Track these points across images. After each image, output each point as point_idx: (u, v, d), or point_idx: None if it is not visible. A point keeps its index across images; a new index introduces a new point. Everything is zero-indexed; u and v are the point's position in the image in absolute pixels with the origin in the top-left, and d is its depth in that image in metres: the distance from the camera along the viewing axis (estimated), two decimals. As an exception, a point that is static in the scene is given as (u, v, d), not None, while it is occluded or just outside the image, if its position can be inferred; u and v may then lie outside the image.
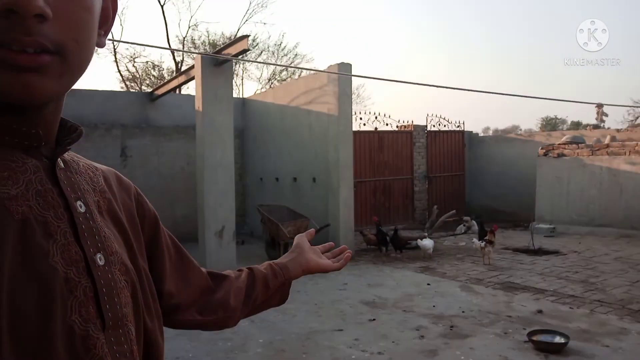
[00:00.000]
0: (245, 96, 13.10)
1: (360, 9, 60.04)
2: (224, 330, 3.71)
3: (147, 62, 20.20)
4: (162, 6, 19.10)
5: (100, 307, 0.60)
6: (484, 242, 7.09)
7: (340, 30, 54.98)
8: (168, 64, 22.89)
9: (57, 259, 0.57)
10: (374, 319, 4.85)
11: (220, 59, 6.80)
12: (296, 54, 21.34)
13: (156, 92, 9.47)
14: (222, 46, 7.33)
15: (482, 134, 16.78)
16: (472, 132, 13.76)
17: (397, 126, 11.79)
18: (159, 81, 18.69)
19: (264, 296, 1.01)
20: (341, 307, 5.25)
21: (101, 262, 0.62)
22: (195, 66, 7.30)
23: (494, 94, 8.88)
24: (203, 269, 0.95)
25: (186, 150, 9.63)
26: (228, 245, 6.79)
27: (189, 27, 21.23)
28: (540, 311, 4.93)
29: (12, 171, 0.58)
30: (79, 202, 0.64)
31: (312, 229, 1.24)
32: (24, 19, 0.52)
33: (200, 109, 6.90)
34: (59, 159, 0.65)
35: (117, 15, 0.72)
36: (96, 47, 0.64)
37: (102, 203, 0.70)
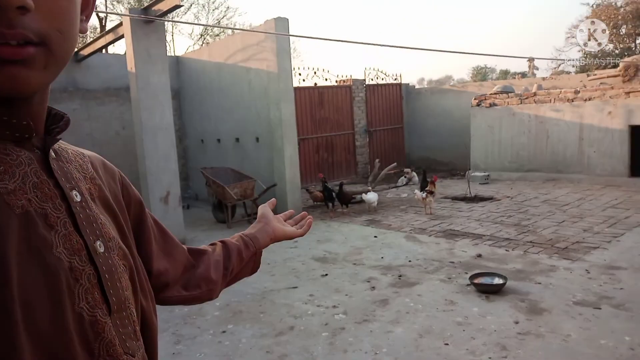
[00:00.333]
0: (177, 53, 12.53)
1: (291, -42, 58.11)
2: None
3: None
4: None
5: (104, 293, 0.63)
6: (425, 193, 7.38)
7: (271, -20, 53.15)
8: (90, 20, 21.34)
9: (60, 249, 0.59)
10: (326, 274, 5.01)
11: (151, 16, 6.42)
12: (228, 7, 20.61)
13: (81, 52, 8.83)
14: (149, 1, 6.91)
15: (417, 86, 17.14)
16: (409, 84, 14.00)
17: (336, 81, 11.79)
18: (82, 40, 17.43)
19: (238, 267, 1.06)
20: (293, 265, 5.37)
21: (101, 249, 0.64)
22: (123, 24, 6.86)
23: (428, 50, 8.86)
24: (183, 246, 0.98)
25: (120, 113, 9.18)
26: (174, 211, 6.67)
27: (110, -21, 19.73)
28: (479, 255, 5.28)
29: (8, 165, 0.58)
30: (74, 192, 0.65)
31: (274, 199, 1.28)
32: (6, 11, 0.51)
33: (134, 69, 6.55)
34: (50, 149, 0.66)
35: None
36: (79, 33, 0.64)
37: (94, 190, 0.70)
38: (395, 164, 9.58)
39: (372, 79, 12.30)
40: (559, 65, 26.18)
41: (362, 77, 12.14)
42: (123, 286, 0.66)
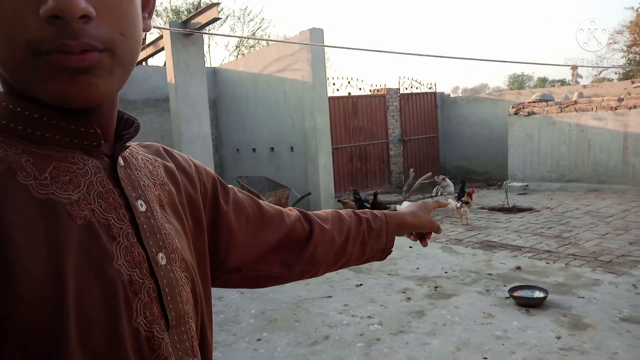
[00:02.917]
0: (213, 64, 12.81)
1: (325, -31, 58.74)
2: (215, 302, 3.74)
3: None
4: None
5: (163, 307, 0.60)
6: (460, 203, 7.26)
7: (306, -9, 53.77)
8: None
9: (121, 262, 0.57)
10: (360, 284, 4.97)
11: (190, 29, 6.60)
12: (262, 19, 20.92)
13: (123, 65, 9.17)
14: (187, 14, 7.10)
15: (452, 94, 16.95)
16: (443, 93, 13.85)
17: (370, 90, 11.77)
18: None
19: (356, 261, 1.03)
20: (328, 274, 5.34)
21: (163, 262, 0.62)
22: (164, 37, 7.08)
23: (467, 59, 8.81)
24: (290, 217, 0.93)
25: (159, 123, 9.45)
26: (210, 219, 6.78)
27: (150, -7, 20.39)
28: (518, 268, 5.14)
29: (74, 174, 0.57)
30: (139, 201, 0.62)
31: (444, 201, 1.23)
32: (70, 23, 0.50)
33: (173, 81, 6.73)
34: (120, 156, 0.64)
35: None
36: (143, 32, 0.63)
37: (163, 196, 0.68)
38: (430, 173, 9.48)
39: (406, 88, 12.24)
40: (601, 72, 25.39)
41: (396, 86, 12.09)
42: (183, 300, 0.63)
